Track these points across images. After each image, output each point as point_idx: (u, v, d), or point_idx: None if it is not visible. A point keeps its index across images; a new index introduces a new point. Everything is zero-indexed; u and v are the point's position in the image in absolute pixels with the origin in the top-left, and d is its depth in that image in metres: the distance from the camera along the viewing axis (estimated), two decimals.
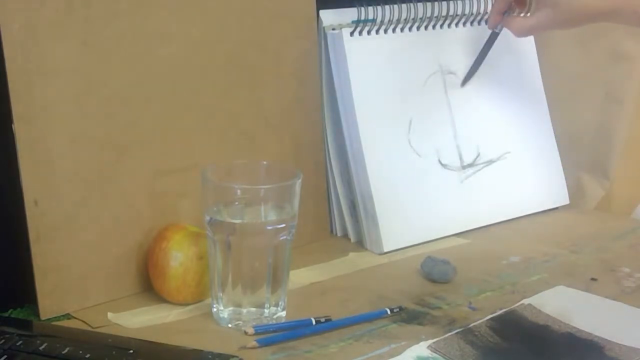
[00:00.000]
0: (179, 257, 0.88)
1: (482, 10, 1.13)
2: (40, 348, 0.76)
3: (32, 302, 0.86)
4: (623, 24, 1.02)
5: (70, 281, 0.87)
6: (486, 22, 1.14)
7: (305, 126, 1.05)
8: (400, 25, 1.07)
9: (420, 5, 1.08)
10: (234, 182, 0.85)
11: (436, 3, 1.09)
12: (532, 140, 1.17)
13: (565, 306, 0.89)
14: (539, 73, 1.20)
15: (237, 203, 0.84)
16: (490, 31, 1.09)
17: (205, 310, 0.88)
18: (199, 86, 0.96)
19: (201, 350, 0.78)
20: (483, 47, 1.11)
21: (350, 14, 1.05)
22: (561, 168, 1.20)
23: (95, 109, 0.88)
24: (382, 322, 0.86)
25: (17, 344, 0.77)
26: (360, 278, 0.98)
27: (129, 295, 0.91)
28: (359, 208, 1.06)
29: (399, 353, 0.80)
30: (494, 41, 1.10)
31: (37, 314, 0.85)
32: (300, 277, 0.95)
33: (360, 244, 1.07)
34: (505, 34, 1.16)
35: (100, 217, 0.89)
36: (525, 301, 0.90)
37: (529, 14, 1.05)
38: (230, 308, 0.85)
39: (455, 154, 1.11)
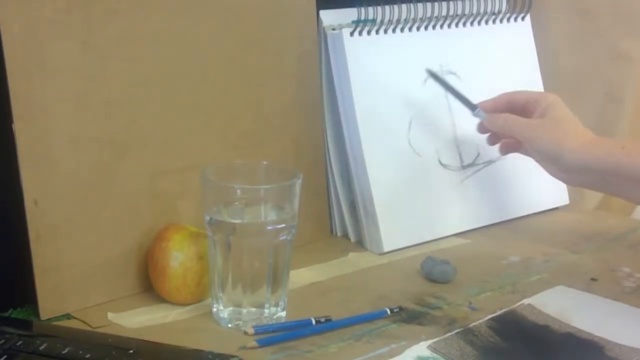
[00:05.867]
0: (179, 257, 0.88)
1: (482, 11, 1.13)
2: (40, 348, 0.76)
3: (32, 302, 0.86)
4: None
5: (70, 281, 0.87)
6: (486, 22, 1.14)
7: (305, 126, 1.05)
8: (400, 25, 1.07)
9: (420, 5, 1.08)
10: (234, 182, 0.85)
11: (436, 3, 1.09)
12: None
13: (565, 306, 0.89)
14: (539, 73, 1.20)
15: (237, 203, 0.84)
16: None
17: (205, 310, 0.88)
18: (199, 86, 0.95)
19: (201, 350, 0.78)
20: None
21: (350, 14, 1.05)
22: None
23: (95, 109, 0.88)
24: (382, 322, 0.86)
25: (17, 344, 0.77)
26: (360, 278, 0.98)
27: (129, 295, 0.91)
28: (359, 208, 1.06)
29: (399, 353, 0.80)
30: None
31: (37, 314, 0.85)
32: (300, 277, 0.95)
33: (360, 244, 1.07)
34: (505, 32, 1.16)
35: (100, 217, 0.89)
36: (525, 301, 0.90)
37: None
38: (230, 308, 0.85)
39: (455, 154, 1.11)
